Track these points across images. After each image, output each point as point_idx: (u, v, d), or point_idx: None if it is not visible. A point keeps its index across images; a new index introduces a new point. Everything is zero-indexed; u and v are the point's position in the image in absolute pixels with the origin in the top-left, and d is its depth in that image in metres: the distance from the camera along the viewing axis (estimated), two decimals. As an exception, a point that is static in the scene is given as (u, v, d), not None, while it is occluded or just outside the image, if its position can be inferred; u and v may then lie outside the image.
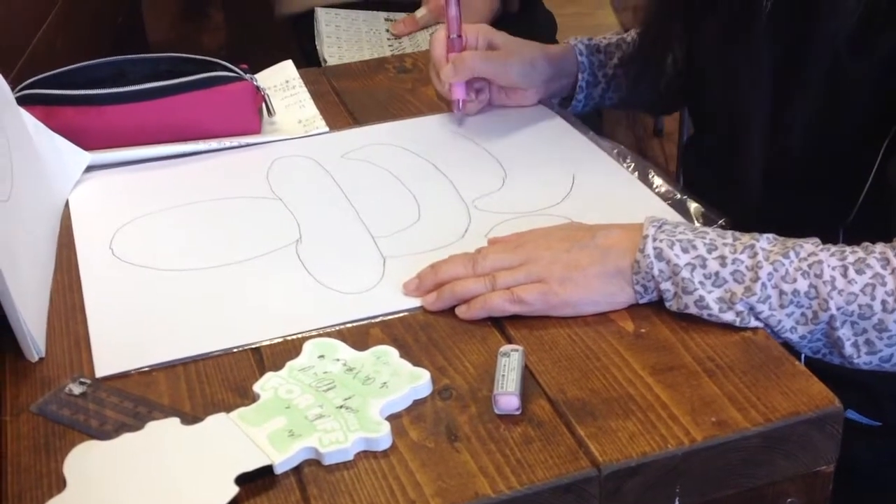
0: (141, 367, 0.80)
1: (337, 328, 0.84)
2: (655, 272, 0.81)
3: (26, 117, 1.04)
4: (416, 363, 0.78)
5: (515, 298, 0.83)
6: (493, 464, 0.69)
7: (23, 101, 1.09)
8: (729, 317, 0.80)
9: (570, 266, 0.83)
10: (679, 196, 1.00)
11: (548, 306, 0.83)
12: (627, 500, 0.70)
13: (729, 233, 0.83)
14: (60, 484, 0.69)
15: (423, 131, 1.17)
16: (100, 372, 0.80)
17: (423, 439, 0.72)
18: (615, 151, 1.10)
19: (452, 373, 0.78)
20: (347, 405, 0.74)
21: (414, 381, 0.76)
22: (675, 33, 1.05)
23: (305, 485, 0.69)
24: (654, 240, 0.82)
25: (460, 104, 1.15)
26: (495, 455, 0.70)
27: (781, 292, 0.79)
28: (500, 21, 1.56)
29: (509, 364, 0.76)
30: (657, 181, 1.03)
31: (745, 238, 0.82)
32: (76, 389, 0.78)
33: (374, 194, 1.03)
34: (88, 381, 0.79)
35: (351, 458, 0.70)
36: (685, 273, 0.80)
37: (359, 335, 0.83)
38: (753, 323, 0.80)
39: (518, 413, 0.73)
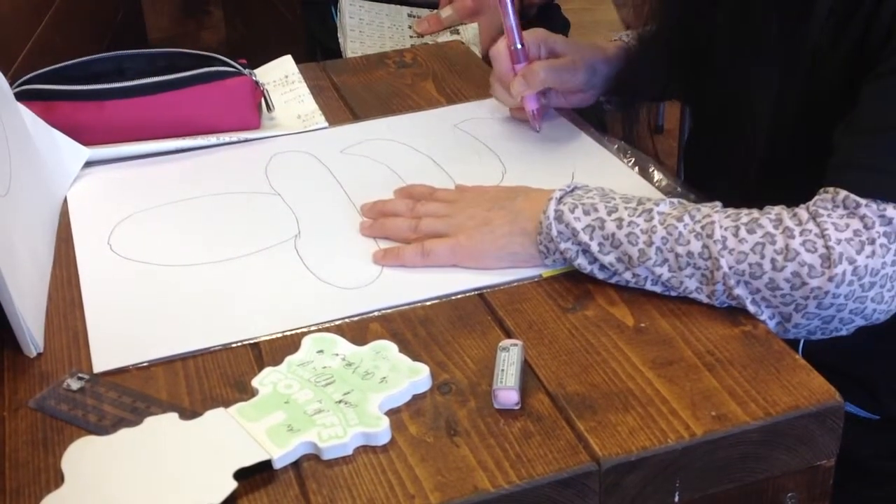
0: (139, 363, 0.80)
1: (336, 323, 0.83)
2: (554, 233, 0.85)
3: (25, 112, 1.04)
4: (415, 358, 0.78)
5: (425, 252, 0.90)
6: (493, 458, 0.69)
7: (21, 97, 1.09)
8: (627, 276, 0.84)
9: (482, 222, 0.91)
10: (680, 190, 1.00)
11: (455, 258, 0.90)
12: (627, 494, 0.70)
13: (636, 198, 0.86)
14: (59, 479, 0.69)
15: (422, 126, 1.17)
16: (98, 367, 0.80)
17: (422, 434, 0.72)
18: (615, 147, 1.10)
19: (452, 367, 0.78)
20: (346, 400, 0.74)
21: (413, 376, 0.76)
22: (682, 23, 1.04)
23: (304, 479, 0.69)
24: (559, 202, 0.86)
25: (535, 113, 1.12)
26: (495, 450, 0.70)
27: (677, 255, 0.81)
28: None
29: (509, 359, 0.76)
30: (657, 175, 1.03)
31: (649, 203, 0.85)
32: (74, 384, 0.78)
33: (373, 189, 1.03)
34: (87, 377, 0.79)
35: (350, 452, 0.70)
36: (583, 237, 0.84)
37: (358, 330, 0.83)
38: (653, 287, 0.83)
39: (517, 408, 0.73)
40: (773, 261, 0.79)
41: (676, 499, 0.72)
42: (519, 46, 1.10)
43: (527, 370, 0.77)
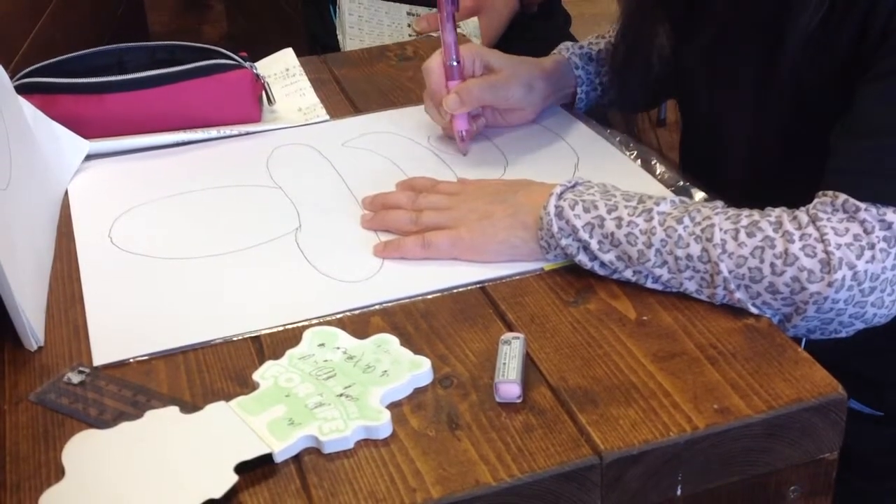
0: (140, 356, 0.80)
1: (337, 316, 0.83)
2: (555, 230, 0.85)
3: (25, 106, 1.04)
4: (416, 351, 0.78)
5: (426, 243, 0.89)
6: (494, 452, 0.69)
7: (22, 90, 1.09)
8: (628, 274, 0.83)
9: (483, 215, 0.90)
10: (682, 183, 0.99)
11: (455, 250, 0.89)
12: (629, 487, 0.70)
13: (637, 195, 0.86)
14: (59, 473, 0.69)
15: (424, 119, 1.16)
16: (98, 360, 0.80)
17: (423, 427, 0.71)
18: (618, 140, 1.09)
19: (453, 361, 0.78)
20: (347, 393, 0.73)
21: (415, 369, 0.76)
22: (657, 30, 1.04)
23: (305, 473, 0.69)
24: (559, 198, 0.86)
25: (463, 135, 1.07)
26: (496, 443, 0.70)
27: (676, 258, 0.81)
28: (518, 22, 1.55)
29: (510, 352, 0.75)
30: (660, 168, 1.02)
31: (650, 201, 0.84)
32: (75, 378, 0.78)
33: (374, 182, 1.02)
34: (87, 370, 0.78)
35: (351, 446, 0.70)
36: (583, 234, 0.83)
37: (359, 323, 0.82)
38: (653, 285, 0.83)
39: (519, 401, 0.73)
40: (772, 265, 0.78)
41: (679, 492, 0.71)
42: (455, 63, 1.05)
43: (528, 363, 0.77)
